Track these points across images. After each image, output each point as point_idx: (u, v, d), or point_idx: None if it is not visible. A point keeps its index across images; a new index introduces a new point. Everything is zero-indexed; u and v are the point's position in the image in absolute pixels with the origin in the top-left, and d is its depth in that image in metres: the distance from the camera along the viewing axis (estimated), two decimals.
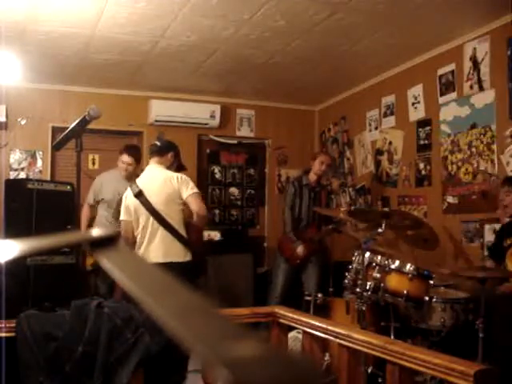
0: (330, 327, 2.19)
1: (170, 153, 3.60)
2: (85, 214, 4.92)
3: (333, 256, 5.68)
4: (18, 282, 4.30)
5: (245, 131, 6.72)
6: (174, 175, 3.48)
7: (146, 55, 4.95)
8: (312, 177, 4.99)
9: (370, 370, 3.03)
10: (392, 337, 3.28)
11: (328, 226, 4.93)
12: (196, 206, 3.40)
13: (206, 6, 3.85)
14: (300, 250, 4.81)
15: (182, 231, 3.47)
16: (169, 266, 3.18)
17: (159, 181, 3.48)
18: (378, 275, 3.34)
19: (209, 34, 4.41)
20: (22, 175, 5.75)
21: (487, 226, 4.14)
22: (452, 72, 4.57)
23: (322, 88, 6.13)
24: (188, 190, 3.41)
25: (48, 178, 5.76)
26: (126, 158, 4.67)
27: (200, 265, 3.57)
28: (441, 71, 4.70)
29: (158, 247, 3.45)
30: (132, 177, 4.67)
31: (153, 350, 2.12)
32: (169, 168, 3.60)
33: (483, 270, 3.29)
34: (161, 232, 3.42)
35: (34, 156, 5.85)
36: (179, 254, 3.41)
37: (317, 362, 2.48)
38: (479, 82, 4.27)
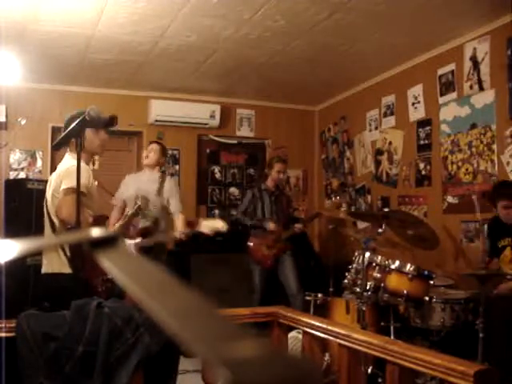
0: (329, 327, 2.19)
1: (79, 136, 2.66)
2: (113, 216, 4.48)
3: (333, 256, 5.68)
4: (18, 282, 4.30)
5: (245, 131, 6.72)
6: (66, 166, 2.87)
7: (146, 55, 4.95)
8: (270, 182, 5.16)
9: (370, 370, 3.04)
10: (392, 337, 3.28)
11: (294, 225, 5.12)
12: (57, 203, 2.78)
13: (206, 6, 3.85)
14: (271, 225, 4.95)
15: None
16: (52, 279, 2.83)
17: (54, 174, 2.99)
18: (378, 275, 3.34)
19: (209, 34, 4.41)
20: (22, 175, 5.75)
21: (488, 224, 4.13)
22: (452, 72, 4.57)
23: (322, 88, 6.14)
24: (63, 184, 2.77)
25: (48, 178, 5.75)
26: (152, 145, 4.54)
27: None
28: (441, 71, 4.70)
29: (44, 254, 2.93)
30: (158, 169, 4.52)
31: (153, 350, 2.12)
32: (87, 144, 2.91)
33: (483, 270, 3.29)
34: (48, 233, 2.90)
35: (33, 156, 5.85)
36: (61, 262, 2.77)
37: (317, 362, 2.48)
38: (479, 82, 4.27)
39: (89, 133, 2.98)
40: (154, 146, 4.54)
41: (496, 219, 3.66)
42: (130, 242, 4.06)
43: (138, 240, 4.13)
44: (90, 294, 2.41)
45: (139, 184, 4.46)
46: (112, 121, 3.21)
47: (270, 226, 4.96)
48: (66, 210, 2.67)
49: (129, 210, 3.88)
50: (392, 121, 5.47)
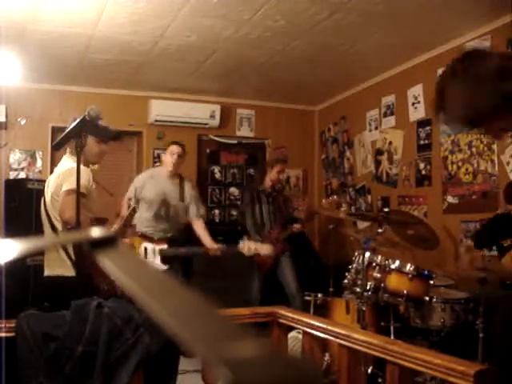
0: (329, 327, 2.19)
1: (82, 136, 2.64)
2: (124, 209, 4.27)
3: (333, 256, 5.68)
4: (18, 282, 4.30)
5: (245, 131, 6.72)
6: (66, 168, 2.88)
7: (146, 55, 4.95)
8: (267, 183, 5.13)
9: (370, 370, 3.03)
10: (392, 337, 3.28)
11: (292, 225, 5.09)
12: (59, 205, 2.80)
13: (206, 6, 3.85)
14: (266, 249, 4.88)
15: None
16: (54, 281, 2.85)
17: (53, 176, 3.01)
18: (378, 275, 3.33)
19: (209, 34, 4.41)
20: (22, 175, 5.76)
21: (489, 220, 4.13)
22: None
23: (322, 88, 6.13)
24: (64, 185, 2.80)
25: (48, 178, 5.76)
26: (175, 147, 4.34)
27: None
28: (441, 71, 4.69)
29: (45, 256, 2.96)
30: (177, 173, 4.42)
31: (153, 350, 2.12)
32: (86, 151, 2.89)
33: (483, 270, 3.29)
34: (49, 235, 2.92)
35: (33, 156, 5.85)
36: (63, 265, 2.80)
37: (317, 362, 2.48)
38: None
39: (90, 141, 3.00)
40: (179, 150, 4.37)
41: (503, 217, 3.63)
42: (155, 248, 4.02)
43: (164, 246, 4.07)
44: (91, 294, 2.41)
45: (159, 187, 4.37)
46: (118, 136, 3.24)
47: (265, 250, 4.91)
48: (70, 211, 2.67)
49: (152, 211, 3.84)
50: (392, 121, 5.47)
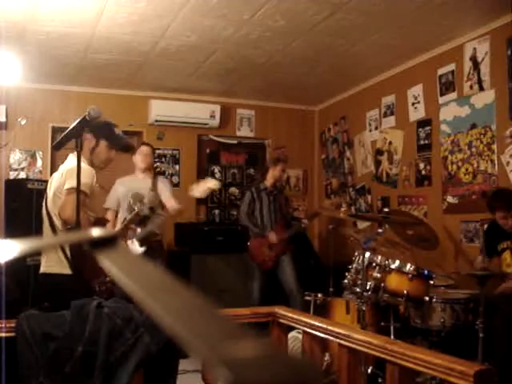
0: (329, 327, 2.19)
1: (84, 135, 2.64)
2: (110, 220, 4.33)
3: (333, 256, 5.69)
4: (18, 282, 4.30)
5: (245, 131, 6.72)
6: (70, 166, 2.82)
7: (146, 55, 4.95)
8: (269, 181, 5.15)
9: (370, 370, 3.03)
10: (392, 337, 3.28)
11: (300, 221, 5.13)
12: (60, 203, 2.79)
13: (206, 6, 3.85)
14: (272, 236, 4.94)
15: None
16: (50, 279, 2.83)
17: (57, 173, 2.99)
18: (378, 275, 3.33)
19: (209, 34, 4.41)
20: (22, 175, 5.75)
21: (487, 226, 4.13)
22: (452, 72, 4.57)
23: (322, 88, 6.14)
24: (67, 184, 2.75)
25: (48, 178, 5.75)
26: (145, 148, 4.57)
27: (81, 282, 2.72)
28: (441, 71, 4.70)
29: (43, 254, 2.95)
30: (150, 171, 4.58)
31: (153, 350, 2.12)
32: (96, 154, 2.97)
33: (482, 270, 3.29)
34: (48, 233, 2.92)
35: (33, 156, 5.85)
36: (60, 263, 2.77)
37: (317, 362, 2.48)
38: (479, 81, 4.27)
39: (102, 145, 3.00)
40: (148, 150, 4.57)
41: (496, 221, 3.66)
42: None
43: (138, 230, 4.05)
44: (89, 294, 2.41)
45: (129, 184, 4.46)
46: (130, 148, 3.26)
47: (271, 236, 4.95)
48: (70, 210, 2.66)
49: (126, 214, 3.86)
50: (392, 121, 5.47)
